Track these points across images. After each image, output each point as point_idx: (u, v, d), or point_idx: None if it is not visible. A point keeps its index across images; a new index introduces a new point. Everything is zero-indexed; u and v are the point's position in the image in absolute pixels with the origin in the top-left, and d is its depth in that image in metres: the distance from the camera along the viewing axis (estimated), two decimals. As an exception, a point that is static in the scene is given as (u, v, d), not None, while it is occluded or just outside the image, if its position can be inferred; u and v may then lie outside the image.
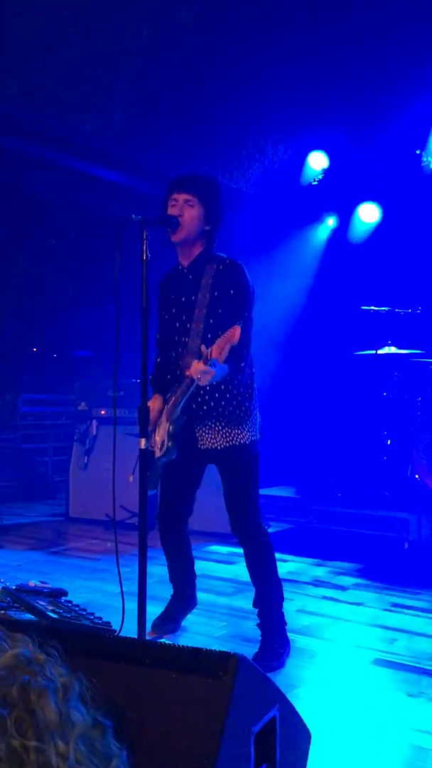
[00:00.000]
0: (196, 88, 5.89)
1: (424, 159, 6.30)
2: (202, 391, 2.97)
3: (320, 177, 6.93)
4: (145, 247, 2.64)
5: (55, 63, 5.02)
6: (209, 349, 2.67)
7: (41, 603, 3.10)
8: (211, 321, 2.97)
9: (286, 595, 3.14)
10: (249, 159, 6.80)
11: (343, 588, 4.07)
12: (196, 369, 2.70)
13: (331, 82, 6.13)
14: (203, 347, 2.73)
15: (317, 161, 6.87)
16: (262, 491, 5.77)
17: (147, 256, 2.65)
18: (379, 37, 5.59)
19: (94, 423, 6.11)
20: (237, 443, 2.99)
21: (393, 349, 5.75)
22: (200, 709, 1.43)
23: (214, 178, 3.14)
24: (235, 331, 2.59)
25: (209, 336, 2.94)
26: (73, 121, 5.35)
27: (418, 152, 6.38)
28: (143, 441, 2.59)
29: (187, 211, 2.95)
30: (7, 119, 5.26)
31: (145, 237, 2.64)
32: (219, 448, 3.02)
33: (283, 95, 6.32)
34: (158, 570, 3.88)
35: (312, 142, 6.84)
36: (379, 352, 5.78)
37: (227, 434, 3.00)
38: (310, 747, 1.87)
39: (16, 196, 7.05)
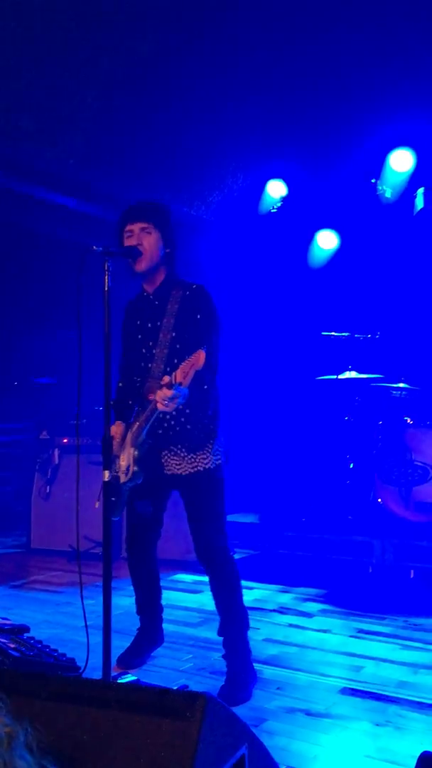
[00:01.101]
0: (155, 116, 5.94)
1: (380, 187, 6.44)
2: (168, 416, 2.97)
3: (279, 204, 7.02)
4: (106, 278, 2.64)
5: (14, 93, 5.02)
6: (173, 374, 2.67)
7: (2, 640, 3.02)
8: (177, 346, 2.98)
9: (252, 623, 3.12)
10: (210, 186, 6.86)
11: (309, 615, 4.06)
12: (162, 396, 2.70)
13: (288, 111, 6.24)
14: (166, 377, 2.73)
15: (276, 189, 6.96)
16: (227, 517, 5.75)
17: (108, 286, 2.65)
18: (335, 68, 5.72)
19: (57, 452, 6.03)
20: (202, 468, 2.99)
21: (353, 374, 5.82)
22: (168, 752, 1.41)
23: (160, 202, 3.17)
24: (200, 356, 2.59)
25: (175, 361, 2.94)
26: (32, 150, 5.34)
27: (373, 181, 6.52)
28: (107, 473, 2.56)
29: (145, 238, 2.98)
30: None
31: (106, 268, 2.64)
32: (184, 474, 3.01)
33: (242, 124, 6.41)
34: (124, 602, 3.83)
35: (270, 170, 6.94)
36: (340, 377, 5.84)
37: (192, 459, 2.99)
38: (279, 783, 1.84)
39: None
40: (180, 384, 2.64)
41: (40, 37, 4.91)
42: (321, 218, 6.95)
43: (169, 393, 2.67)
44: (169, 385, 2.66)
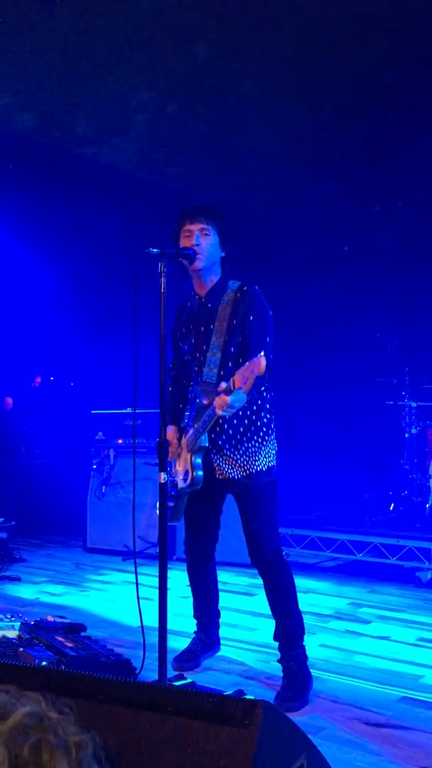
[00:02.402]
0: (211, 119, 5.94)
1: None
2: (221, 420, 2.94)
3: (334, 205, 6.92)
4: (162, 280, 2.64)
5: (73, 98, 5.10)
6: (231, 379, 2.63)
7: (60, 639, 3.06)
8: (231, 350, 2.95)
9: (308, 628, 3.08)
10: (266, 187, 6.83)
11: (366, 621, 3.98)
12: (221, 403, 2.65)
13: (343, 112, 6.16)
14: (223, 384, 2.67)
15: (330, 190, 6.87)
16: (281, 519, 5.70)
17: (164, 287, 2.65)
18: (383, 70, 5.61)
19: (112, 452, 6.10)
20: (253, 471, 2.96)
21: (410, 377, 5.71)
22: (225, 760, 1.38)
23: (219, 207, 3.14)
24: (261, 362, 2.48)
25: (229, 364, 2.92)
26: (91, 154, 5.41)
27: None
28: (163, 475, 2.56)
29: (204, 240, 2.95)
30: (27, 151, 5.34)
31: (162, 270, 2.64)
32: (236, 477, 2.98)
33: (297, 125, 6.36)
34: (178, 602, 3.82)
35: (326, 170, 6.85)
36: (397, 380, 5.74)
37: (244, 463, 2.96)
38: (339, 795, 1.80)
39: (34, 225, 7.12)
40: (240, 389, 2.60)
41: (95, 45, 4.97)
42: (377, 218, 6.82)
43: (227, 400, 2.63)
44: (228, 392, 2.62)
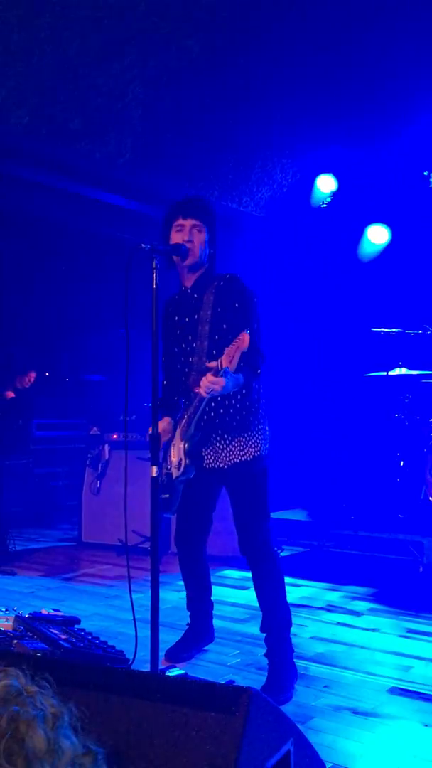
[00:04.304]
0: (203, 113, 5.96)
1: (432, 180, 6.33)
2: (207, 408, 2.97)
3: (329, 199, 6.96)
4: (155, 275, 2.67)
5: (65, 94, 5.10)
6: (219, 360, 2.66)
7: (54, 631, 3.10)
8: (216, 337, 2.98)
9: (299, 621, 3.12)
10: (258, 183, 6.85)
11: (357, 613, 4.03)
12: (205, 382, 2.70)
13: (337, 105, 6.18)
14: (212, 362, 2.72)
15: (326, 184, 6.91)
16: (275, 514, 5.75)
17: (157, 283, 2.67)
18: (385, 58, 5.63)
19: (107, 447, 6.13)
20: (241, 459, 2.97)
21: (404, 370, 5.74)
22: (213, 745, 1.42)
23: (211, 201, 3.18)
24: (244, 338, 2.54)
25: (214, 352, 2.94)
26: (83, 150, 5.42)
27: (426, 174, 6.40)
28: (154, 469, 2.59)
29: (196, 236, 2.99)
30: (19, 148, 5.35)
31: (154, 266, 2.67)
32: (225, 466, 3.01)
33: (291, 119, 6.38)
34: (172, 596, 3.87)
35: (320, 165, 6.88)
36: (390, 373, 5.77)
37: (231, 451, 2.99)
38: (325, 781, 1.84)
39: (27, 223, 7.14)
40: (228, 368, 2.62)
41: (90, 39, 4.98)
42: (371, 213, 6.86)
43: (212, 378, 2.66)
44: (216, 372, 2.65)
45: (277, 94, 6.08)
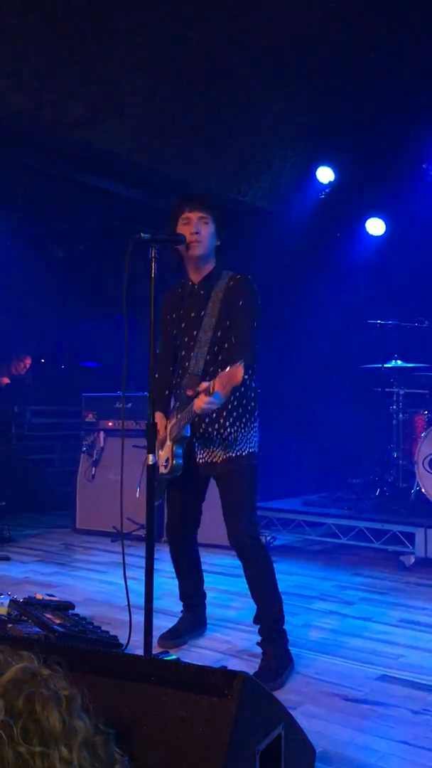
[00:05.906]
0: (204, 104, 5.94)
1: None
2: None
3: (327, 191, 6.96)
4: (153, 264, 2.67)
5: (66, 82, 5.08)
6: (212, 382, 2.65)
7: (48, 616, 3.13)
8: (219, 333, 3.00)
9: (292, 609, 3.15)
10: (257, 173, 6.84)
11: (349, 602, 4.07)
12: (200, 404, 2.69)
13: (337, 97, 6.17)
14: (204, 384, 2.70)
15: (324, 175, 6.91)
16: (270, 503, 5.78)
17: (155, 272, 2.68)
18: (384, 50, 5.62)
19: (102, 434, 6.14)
20: (234, 455, 3.00)
21: (399, 363, 5.77)
22: (205, 728, 1.45)
23: (215, 197, 3.19)
24: (238, 371, 2.51)
25: (215, 348, 2.97)
26: (84, 138, 5.40)
27: (424, 166, 6.41)
28: (150, 457, 2.61)
29: (203, 228, 3.00)
30: (19, 134, 5.33)
31: (153, 254, 2.67)
32: (217, 461, 3.04)
33: (290, 109, 6.37)
34: (165, 582, 3.89)
35: (320, 156, 6.87)
36: (386, 365, 5.80)
37: (225, 447, 3.01)
38: (315, 764, 1.87)
39: (26, 208, 7.13)
40: (218, 393, 2.64)
41: (88, 28, 4.96)
42: (370, 205, 6.87)
43: (207, 400, 2.66)
44: (207, 392, 2.66)
45: (277, 86, 6.07)
